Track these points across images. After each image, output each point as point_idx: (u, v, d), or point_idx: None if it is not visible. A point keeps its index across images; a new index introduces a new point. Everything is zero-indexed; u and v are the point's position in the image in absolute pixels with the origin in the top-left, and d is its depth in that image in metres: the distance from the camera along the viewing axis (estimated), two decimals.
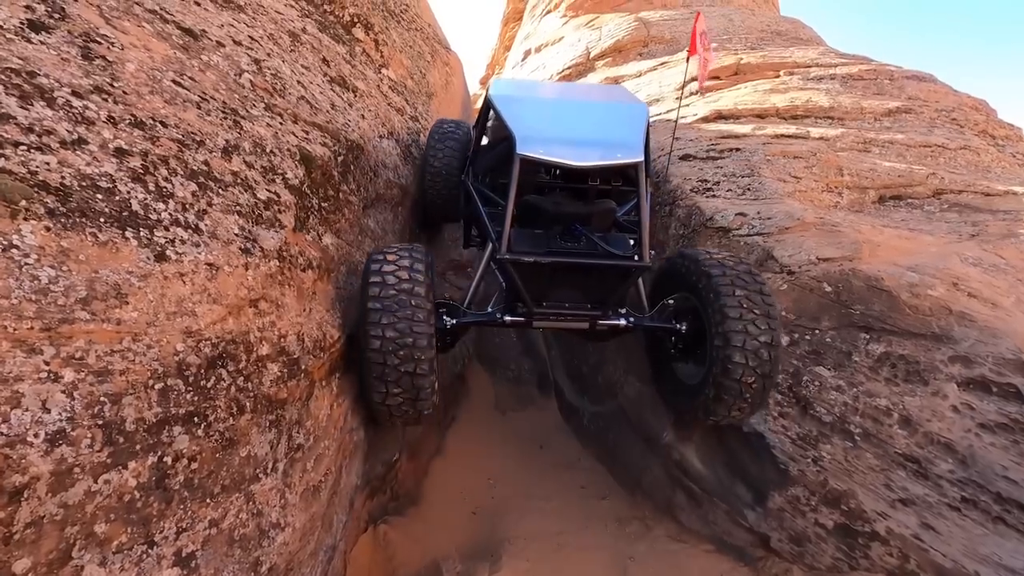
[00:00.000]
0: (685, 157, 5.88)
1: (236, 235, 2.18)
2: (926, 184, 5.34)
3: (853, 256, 3.82)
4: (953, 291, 3.41)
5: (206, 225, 2.06)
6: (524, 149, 3.03)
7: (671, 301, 3.61)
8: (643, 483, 4.19)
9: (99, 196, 1.73)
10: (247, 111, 2.82)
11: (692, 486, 3.76)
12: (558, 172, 3.54)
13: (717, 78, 8.46)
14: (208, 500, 1.77)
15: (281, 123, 3.09)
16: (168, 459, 1.64)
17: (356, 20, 6.39)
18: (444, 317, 3.26)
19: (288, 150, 2.92)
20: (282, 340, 2.27)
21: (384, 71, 6.56)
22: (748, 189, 5.09)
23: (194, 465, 1.72)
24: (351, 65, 5.47)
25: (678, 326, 3.51)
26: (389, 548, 3.23)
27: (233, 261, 2.08)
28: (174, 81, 2.47)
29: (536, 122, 3.34)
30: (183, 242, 1.91)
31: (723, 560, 3.36)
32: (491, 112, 3.91)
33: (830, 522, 3.18)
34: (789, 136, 6.08)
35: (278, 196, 2.60)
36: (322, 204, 3.25)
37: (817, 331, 3.68)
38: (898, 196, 5.37)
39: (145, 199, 1.88)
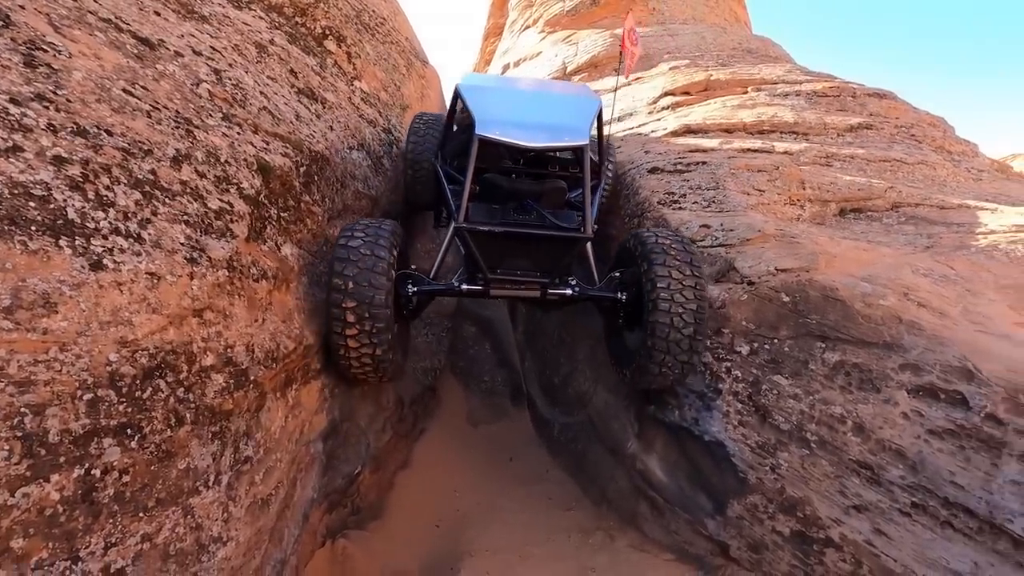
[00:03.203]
0: (654, 170, 5.97)
1: (182, 244, 2.16)
2: (885, 197, 5.49)
3: (810, 267, 3.91)
4: (904, 301, 3.50)
5: (149, 234, 2.04)
6: (482, 130, 3.35)
7: (617, 274, 3.94)
8: (608, 494, 4.19)
9: (31, 204, 1.71)
10: (202, 120, 2.80)
11: (655, 496, 3.78)
12: (521, 159, 3.90)
13: (687, 94, 8.65)
14: (141, 514, 1.73)
15: (239, 133, 3.08)
16: (96, 472, 1.60)
17: (328, 32, 6.42)
18: (408, 285, 3.56)
19: (245, 160, 2.91)
20: (229, 350, 2.24)
21: (357, 83, 6.58)
22: (713, 201, 5.19)
23: (126, 478, 1.69)
24: (321, 77, 5.48)
25: (619, 295, 3.83)
26: (348, 563, 3.17)
27: (177, 271, 2.06)
28: (124, 90, 2.46)
29: (495, 108, 3.67)
30: (122, 251, 1.89)
31: (684, 569, 3.37)
32: (459, 101, 4.31)
33: (787, 529, 3.22)
34: (755, 150, 6.21)
35: (231, 206, 2.59)
36: (281, 214, 3.24)
37: (776, 340, 3.75)
38: (858, 209, 5.51)
39: (83, 207, 1.85)
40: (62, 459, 1.51)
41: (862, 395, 3.32)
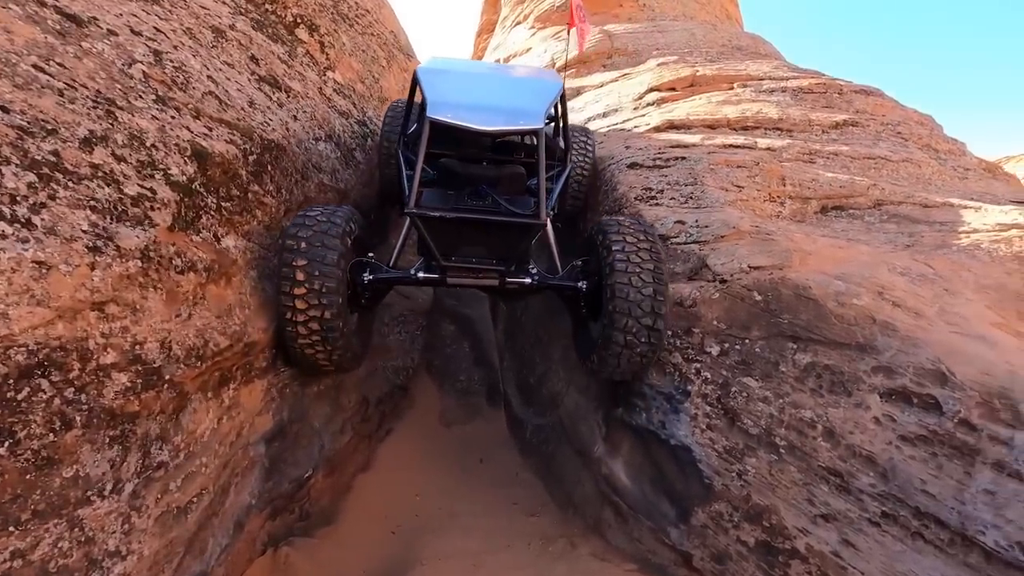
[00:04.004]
0: (633, 166, 5.82)
1: (84, 232, 1.98)
2: (867, 195, 5.35)
3: (783, 264, 3.76)
4: (878, 300, 3.35)
5: (42, 220, 1.86)
6: (433, 112, 3.25)
7: (579, 263, 3.84)
8: (575, 499, 4.03)
9: None
10: (128, 102, 2.62)
11: (619, 502, 3.61)
12: (480, 144, 3.88)
13: (673, 90, 8.50)
14: (11, 528, 1.56)
15: (174, 117, 2.90)
16: None
17: (300, 21, 6.23)
18: (364, 274, 3.48)
19: (177, 145, 2.73)
20: (137, 347, 2.07)
21: (329, 73, 6.40)
22: (691, 197, 5.04)
23: None
24: (288, 65, 5.29)
25: (579, 284, 3.74)
26: (289, 572, 3.00)
27: (73, 260, 1.89)
28: (34, 66, 2.28)
29: (449, 91, 3.56)
30: (4, 236, 1.71)
31: None
32: (415, 91, 4.29)
33: (751, 539, 3.06)
34: (736, 146, 6.06)
35: (153, 192, 2.41)
36: (223, 204, 3.06)
37: (747, 340, 3.60)
38: (840, 207, 5.36)
39: None
40: None
41: (833, 398, 3.17)
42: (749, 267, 3.82)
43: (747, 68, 8.62)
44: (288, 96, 4.83)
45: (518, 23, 16.37)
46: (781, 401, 3.30)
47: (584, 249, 3.89)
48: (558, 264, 4.02)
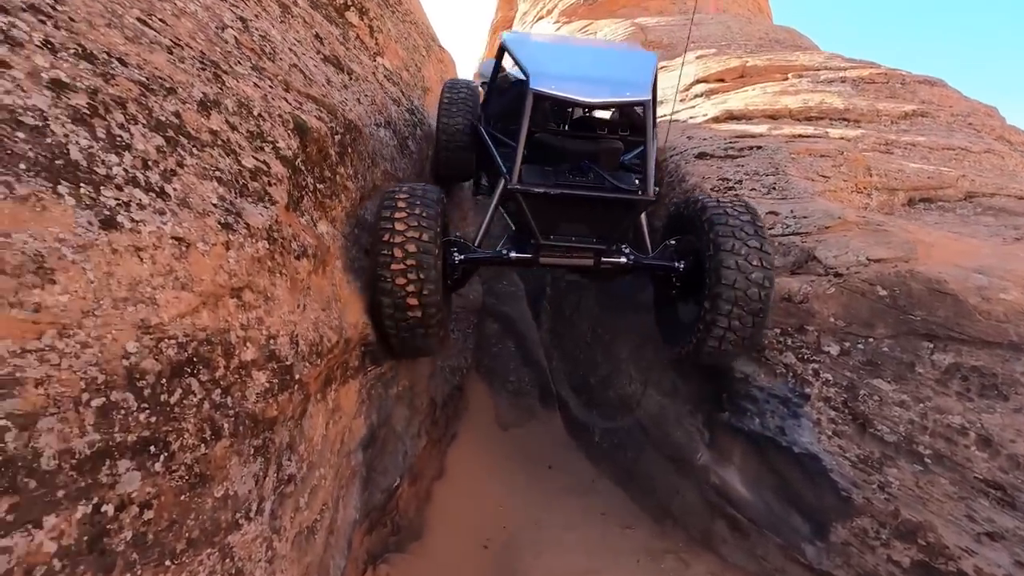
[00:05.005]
0: (701, 155, 5.53)
1: (215, 206, 1.69)
2: (957, 187, 5.06)
3: (908, 257, 3.46)
4: None
5: (175, 189, 1.57)
6: (537, 84, 3.10)
7: (673, 242, 3.70)
8: (673, 510, 3.73)
9: (20, 135, 1.24)
10: (231, 67, 2.33)
11: (736, 515, 3.32)
12: (570, 117, 3.81)
13: (722, 80, 8.22)
14: (169, 562, 1.26)
15: (271, 87, 2.61)
16: (109, 508, 1.14)
17: (350, 4, 5.93)
18: (453, 253, 3.35)
19: (280, 116, 2.44)
20: (272, 342, 1.77)
21: (379, 59, 6.10)
22: (774, 188, 4.75)
23: (148, 514, 1.22)
24: (345, 47, 5.00)
25: (677, 264, 3.58)
26: None
27: (210, 237, 1.60)
28: (139, 19, 1.98)
29: (549, 62, 3.43)
30: (141, 207, 1.42)
31: None
32: (503, 60, 4.22)
33: (906, 559, 2.76)
34: (807, 136, 5.77)
35: (267, 166, 2.12)
36: (317, 185, 2.77)
37: (871, 339, 3.30)
38: (928, 199, 5.07)
39: (90, 147, 1.38)
40: (60, 493, 1.05)
41: (985, 403, 2.87)
42: (868, 259, 3.52)
43: (799, 58, 8.33)
44: (351, 79, 4.54)
45: (540, 18, 16.09)
46: (922, 406, 3.00)
47: (673, 227, 3.76)
48: (648, 244, 3.83)
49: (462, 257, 3.38)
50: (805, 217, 4.09)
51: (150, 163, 1.54)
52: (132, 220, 1.37)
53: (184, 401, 1.35)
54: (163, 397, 1.30)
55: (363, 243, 3.58)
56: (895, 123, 6.36)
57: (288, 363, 1.84)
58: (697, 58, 9.68)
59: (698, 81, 8.37)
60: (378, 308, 2.89)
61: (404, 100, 6.23)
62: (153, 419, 1.25)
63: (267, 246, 1.88)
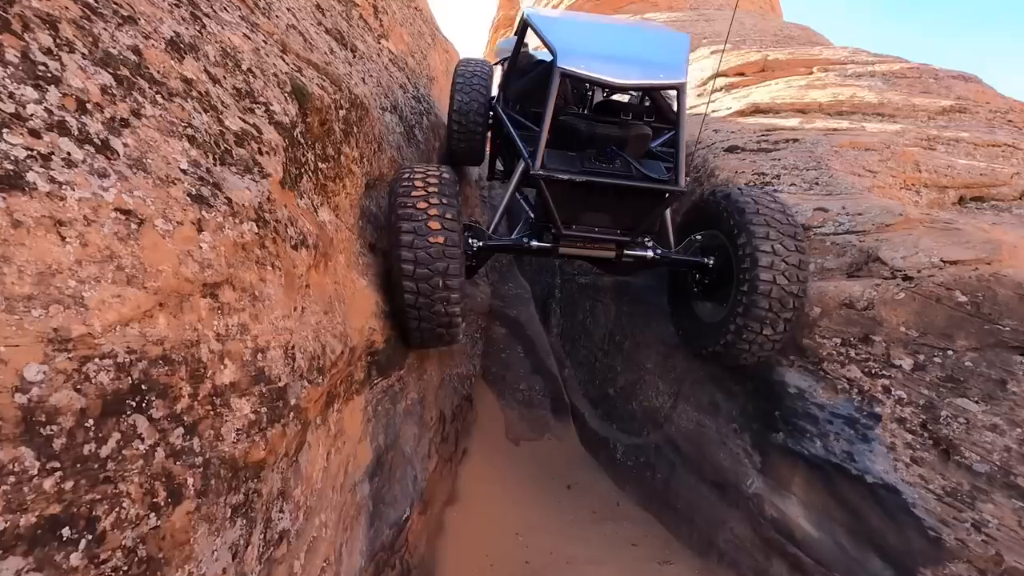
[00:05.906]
0: (731, 149, 5.13)
1: (184, 171, 1.24)
2: (1011, 184, 4.66)
3: (991, 259, 3.05)
4: None
5: (125, 145, 1.12)
6: (564, 63, 2.89)
7: (698, 237, 3.50)
8: (719, 544, 3.29)
9: None
10: (213, 10, 1.88)
11: (798, 554, 2.88)
12: (591, 100, 3.61)
13: (742, 75, 7.84)
14: None
15: (265, 43, 2.16)
16: None
17: None
18: (470, 239, 3.18)
19: (275, 75, 1.99)
20: (259, 357, 1.32)
21: (384, 42, 5.65)
22: (816, 183, 4.34)
23: None
24: (348, 24, 4.56)
25: (707, 261, 3.37)
26: None
27: (174, 213, 1.14)
28: None
29: (577, 40, 3.22)
30: (70, 163, 0.97)
31: None
32: (524, 38, 3.95)
33: None
34: (844, 130, 5.37)
35: (258, 131, 1.67)
36: (319, 164, 2.33)
37: (951, 352, 2.88)
38: (980, 197, 4.67)
39: None
40: None
41: None
42: (943, 261, 3.10)
43: (822, 52, 7.97)
44: (355, 56, 4.09)
45: None
46: (1020, 431, 2.58)
47: (698, 221, 3.53)
48: (671, 238, 3.58)
49: (480, 243, 3.17)
50: (860, 214, 3.67)
51: (89, 106, 1.08)
52: (51, 180, 0.92)
53: (124, 452, 0.90)
54: (87, 449, 0.84)
55: (368, 237, 3.15)
56: (932, 119, 5.97)
57: (281, 384, 1.39)
58: (711, 53, 9.32)
59: (717, 75, 7.98)
60: (398, 293, 2.67)
61: (410, 87, 5.79)
62: (68, 485, 0.80)
63: (255, 229, 1.42)
